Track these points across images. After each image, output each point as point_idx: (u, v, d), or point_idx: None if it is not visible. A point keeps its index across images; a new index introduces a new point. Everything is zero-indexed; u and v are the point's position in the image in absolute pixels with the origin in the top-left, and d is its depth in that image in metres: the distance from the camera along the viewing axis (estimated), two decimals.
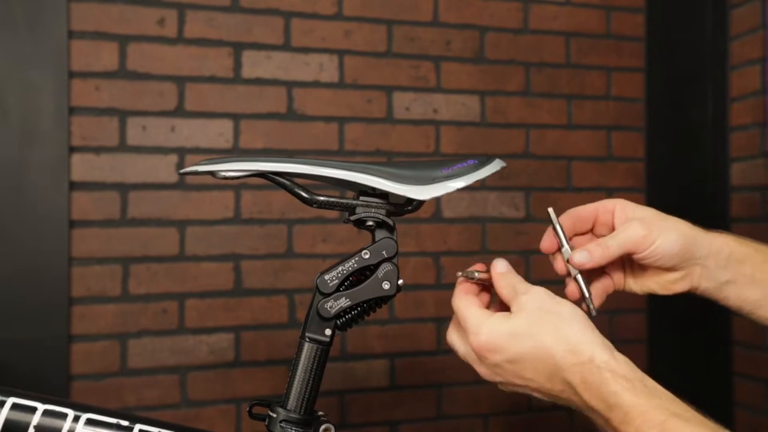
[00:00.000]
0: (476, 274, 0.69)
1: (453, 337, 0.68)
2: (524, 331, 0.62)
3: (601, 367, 0.59)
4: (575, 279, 0.72)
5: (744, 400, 1.62)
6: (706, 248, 0.71)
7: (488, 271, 0.69)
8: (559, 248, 0.73)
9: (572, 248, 0.72)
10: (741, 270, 0.71)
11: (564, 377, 0.61)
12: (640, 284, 0.76)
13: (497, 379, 0.65)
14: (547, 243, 0.73)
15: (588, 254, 0.70)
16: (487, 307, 0.69)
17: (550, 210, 0.72)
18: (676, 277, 0.73)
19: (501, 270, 0.68)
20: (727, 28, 1.69)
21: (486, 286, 0.71)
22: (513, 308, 0.65)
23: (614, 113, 1.84)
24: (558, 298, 0.65)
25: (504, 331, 0.63)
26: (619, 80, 1.84)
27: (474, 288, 0.70)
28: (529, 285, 0.66)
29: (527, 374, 0.63)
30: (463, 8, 1.73)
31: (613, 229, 0.73)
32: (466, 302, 0.67)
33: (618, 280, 0.76)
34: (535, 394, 0.65)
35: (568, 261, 0.71)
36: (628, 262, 0.76)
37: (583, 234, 0.76)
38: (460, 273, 0.70)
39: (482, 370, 0.66)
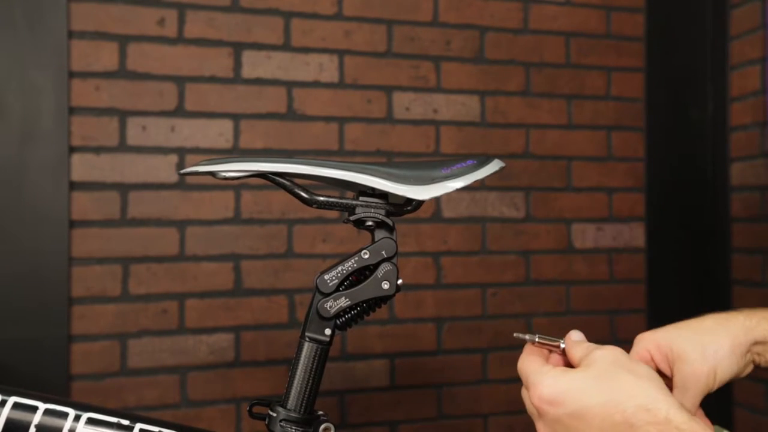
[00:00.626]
0: (537, 337, 0.65)
1: (523, 396, 0.64)
2: (592, 383, 0.57)
3: (683, 429, 0.53)
4: None
5: (744, 400, 1.62)
6: (752, 343, 0.73)
7: (554, 340, 0.66)
8: None
9: None
10: None
11: None
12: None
13: None
14: None
15: None
16: None
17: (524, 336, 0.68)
18: (743, 370, 0.75)
19: (576, 338, 0.64)
20: (727, 28, 1.69)
21: (562, 356, 0.66)
22: (584, 363, 0.60)
23: (614, 113, 1.84)
24: (635, 359, 0.60)
25: (567, 382, 0.58)
26: (619, 80, 1.85)
27: (540, 351, 0.66)
28: (605, 346, 0.62)
29: None
30: (463, 8, 1.73)
31: (663, 372, 0.74)
32: (529, 360, 0.63)
33: None
34: None
35: None
36: None
37: None
38: (516, 334, 0.67)
39: (540, 427, 0.61)
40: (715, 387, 0.71)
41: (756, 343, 0.73)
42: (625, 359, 0.59)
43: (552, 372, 0.60)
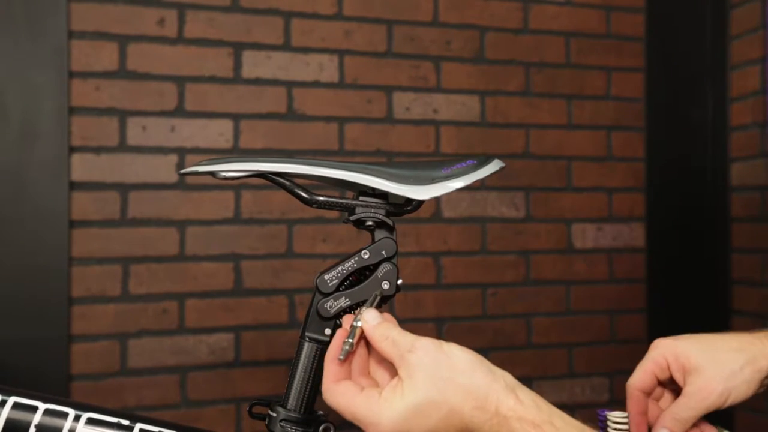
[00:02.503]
0: (346, 347, 0.61)
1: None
2: (426, 399, 0.56)
3: (508, 416, 0.56)
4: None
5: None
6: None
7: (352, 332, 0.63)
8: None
9: None
10: None
11: None
12: None
13: None
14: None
15: None
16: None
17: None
18: (755, 393, 0.74)
19: (373, 322, 0.62)
20: (727, 28, 1.69)
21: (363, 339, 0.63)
22: (402, 373, 0.58)
23: (614, 113, 1.84)
24: (444, 345, 0.59)
25: (405, 409, 0.57)
26: (619, 80, 1.85)
27: (344, 369, 0.62)
28: (411, 338, 0.59)
29: None
30: (463, 8, 1.73)
31: (676, 381, 0.74)
32: (342, 392, 0.60)
33: None
34: None
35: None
36: None
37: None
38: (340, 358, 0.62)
39: None
40: (725, 407, 0.71)
41: None
42: (439, 354, 0.58)
43: (382, 404, 0.58)
